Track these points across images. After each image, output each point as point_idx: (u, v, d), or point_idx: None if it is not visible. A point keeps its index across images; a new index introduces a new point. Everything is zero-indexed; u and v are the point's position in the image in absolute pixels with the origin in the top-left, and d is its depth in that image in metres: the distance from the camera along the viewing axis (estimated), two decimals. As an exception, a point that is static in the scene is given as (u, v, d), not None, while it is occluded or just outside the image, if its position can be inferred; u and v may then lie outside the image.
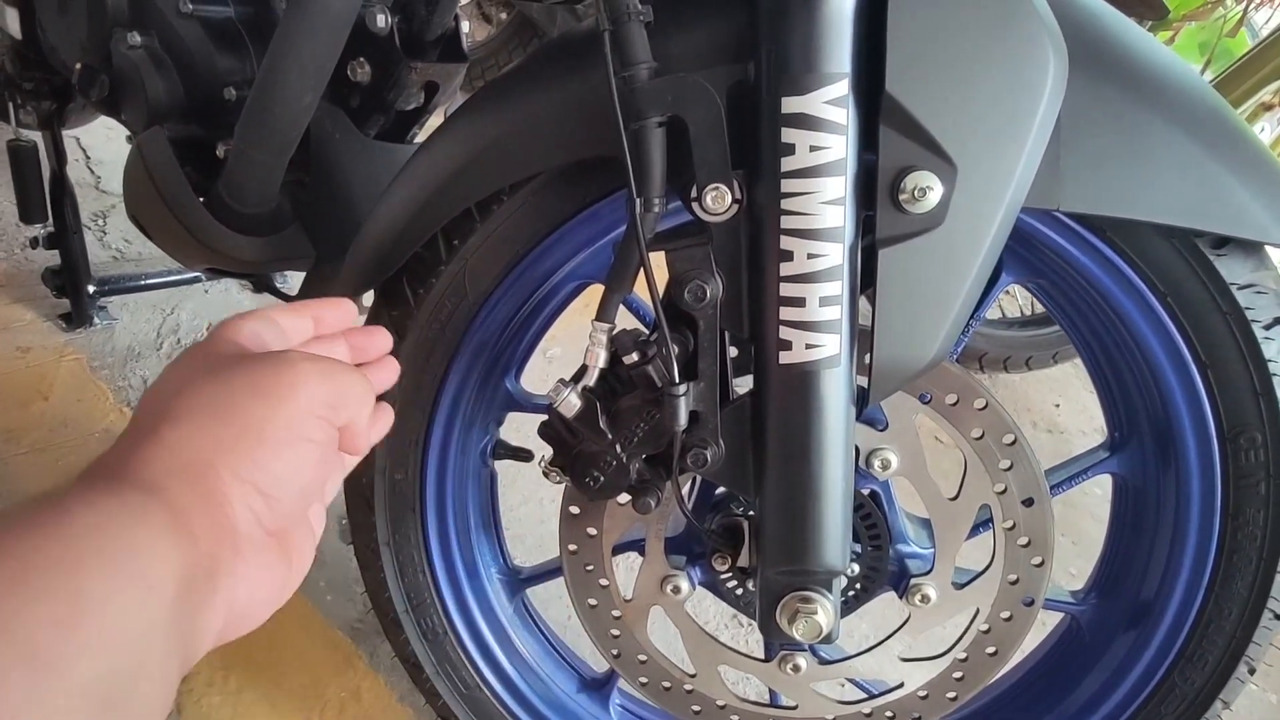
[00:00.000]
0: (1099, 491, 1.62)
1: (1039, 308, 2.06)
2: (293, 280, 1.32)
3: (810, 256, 0.52)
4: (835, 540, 0.60)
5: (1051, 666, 0.79)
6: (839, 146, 0.50)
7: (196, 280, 1.56)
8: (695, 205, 0.55)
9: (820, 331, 0.54)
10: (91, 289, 1.42)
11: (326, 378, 0.44)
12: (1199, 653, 0.69)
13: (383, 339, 0.57)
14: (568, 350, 1.63)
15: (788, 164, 0.51)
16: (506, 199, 0.65)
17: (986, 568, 0.69)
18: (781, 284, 0.54)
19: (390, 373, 0.58)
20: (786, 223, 0.52)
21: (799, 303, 0.53)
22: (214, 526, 0.38)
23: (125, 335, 1.46)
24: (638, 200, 0.54)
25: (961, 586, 0.70)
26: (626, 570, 0.75)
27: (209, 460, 0.39)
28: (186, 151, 0.95)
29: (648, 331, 0.63)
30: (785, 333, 0.54)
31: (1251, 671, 0.70)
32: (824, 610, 0.61)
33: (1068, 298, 0.68)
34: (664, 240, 0.58)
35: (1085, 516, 1.62)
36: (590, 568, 0.74)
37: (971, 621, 0.71)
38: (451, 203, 0.65)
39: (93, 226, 1.72)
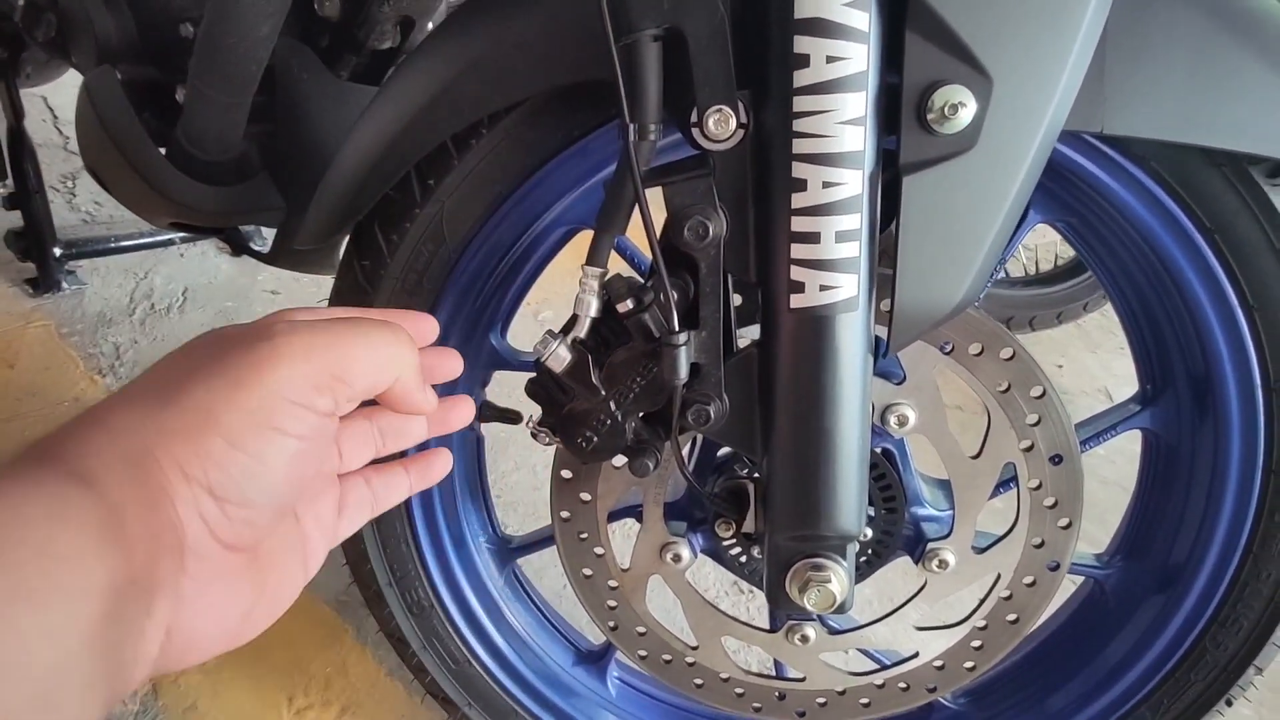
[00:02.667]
0: (1102, 453, 1.59)
1: (1044, 265, 2.01)
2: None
3: (826, 185, 0.47)
4: (850, 502, 0.55)
5: (1073, 632, 0.75)
6: (860, 57, 0.44)
7: (170, 243, 1.50)
8: (695, 131, 0.49)
9: (836, 271, 0.48)
10: (58, 252, 1.35)
11: (315, 349, 0.36)
12: (1233, 617, 0.65)
13: (454, 362, 0.51)
14: (560, 313, 1.57)
15: (801, 78, 0.45)
16: (486, 132, 0.59)
17: (1009, 530, 0.64)
18: (793, 218, 0.48)
19: (450, 362, 0.50)
20: (799, 147, 0.46)
21: (813, 238, 0.48)
22: (152, 532, 0.31)
23: (96, 300, 1.40)
24: (631, 127, 0.48)
25: (982, 551, 0.65)
26: (623, 538, 0.71)
27: (147, 448, 0.32)
28: (144, 97, 0.88)
29: (642, 278, 0.57)
30: (797, 273, 0.49)
31: (1288, 637, 0.66)
32: (838, 578, 0.56)
33: (1101, 237, 0.62)
34: (660, 174, 0.52)
35: (1090, 478, 1.58)
36: (584, 536, 0.69)
37: (992, 588, 0.66)
38: (425, 137, 0.58)
39: (61, 189, 1.64)
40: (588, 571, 0.70)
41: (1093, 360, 2.07)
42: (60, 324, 1.33)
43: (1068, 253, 1.97)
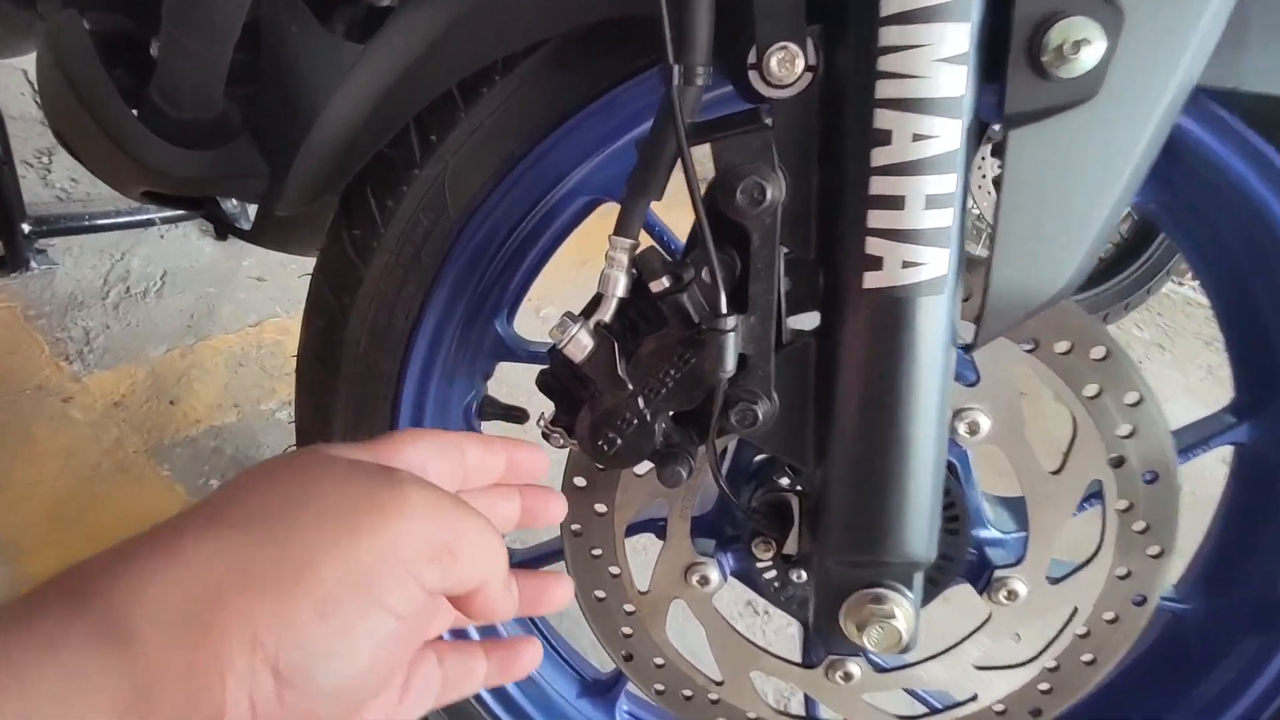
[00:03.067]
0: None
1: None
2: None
3: (916, 138, 0.38)
4: (923, 522, 0.46)
5: (1150, 671, 0.66)
6: (966, -23, 0.36)
7: (150, 224, 1.41)
8: (753, 75, 0.41)
9: (923, 243, 0.40)
10: (27, 229, 1.26)
11: (441, 509, 0.31)
12: (1342, 664, 0.57)
13: (558, 508, 0.44)
14: (564, 309, 1.49)
15: (891, 4, 0.37)
16: (499, 79, 0.50)
17: (1091, 558, 0.56)
18: (873, 178, 0.39)
19: (555, 508, 0.44)
20: (884, 90, 0.38)
21: (896, 203, 0.39)
22: (185, 716, 0.25)
23: (67, 282, 1.31)
24: (675, 68, 0.40)
25: (1058, 581, 0.57)
26: (640, 554, 0.62)
27: (217, 598, 0.26)
28: (116, 50, 0.79)
29: (675, 257, 0.49)
30: (874, 245, 0.40)
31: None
32: (903, 612, 0.48)
33: (1203, 220, 0.54)
34: (707, 130, 0.43)
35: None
36: (598, 553, 0.60)
37: (1066, 623, 0.58)
38: (428, 83, 0.50)
39: (35, 164, 1.55)
40: (600, 594, 0.62)
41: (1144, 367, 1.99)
42: (27, 306, 1.24)
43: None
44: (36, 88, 0.81)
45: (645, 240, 0.47)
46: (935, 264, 0.40)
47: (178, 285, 1.36)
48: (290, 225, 0.83)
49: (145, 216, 1.37)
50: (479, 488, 0.40)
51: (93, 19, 0.77)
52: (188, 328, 1.29)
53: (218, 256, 1.45)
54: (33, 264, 1.29)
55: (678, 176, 0.44)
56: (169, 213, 1.43)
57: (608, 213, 0.55)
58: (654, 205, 0.46)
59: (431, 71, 0.50)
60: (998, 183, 0.39)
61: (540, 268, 0.61)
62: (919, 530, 0.46)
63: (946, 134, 0.38)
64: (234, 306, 1.35)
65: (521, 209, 0.55)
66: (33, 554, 0.92)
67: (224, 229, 0.99)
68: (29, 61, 1.65)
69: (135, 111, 0.79)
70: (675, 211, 0.44)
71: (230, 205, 1.29)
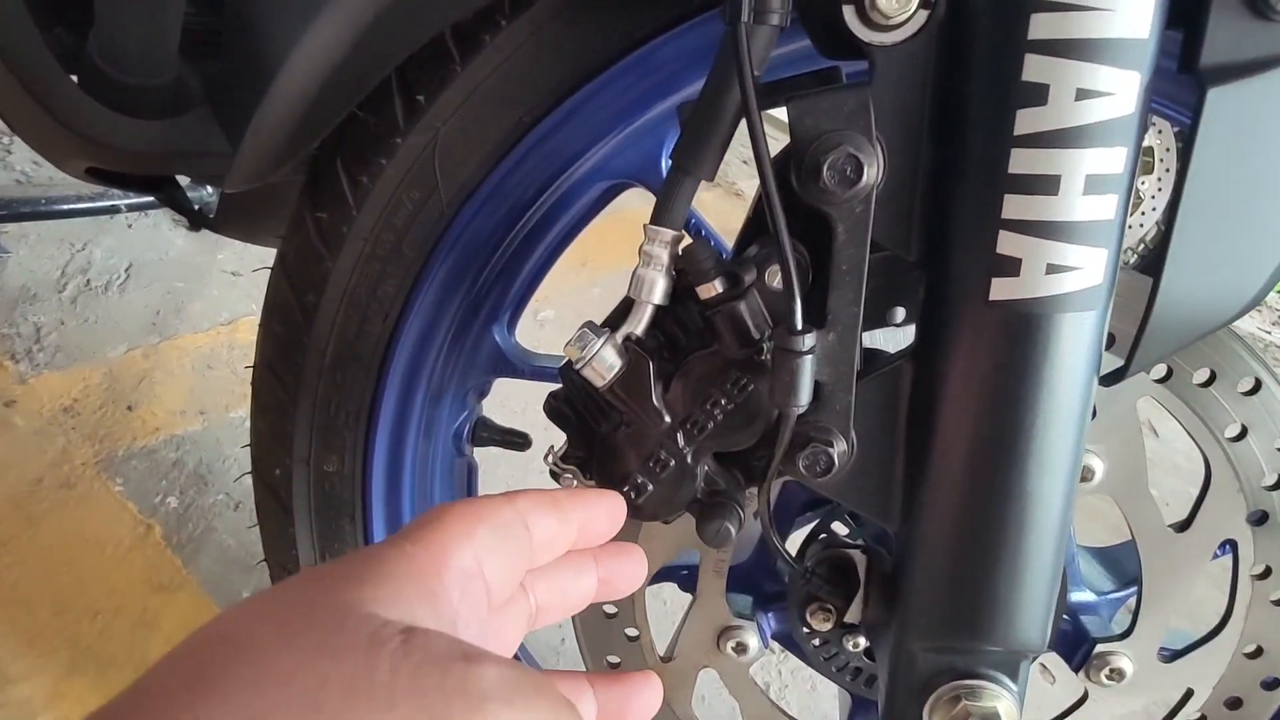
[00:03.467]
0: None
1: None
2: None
3: (1081, 96, 0.28)
4: (1039, 604, 0.36)
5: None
6: None
7: (116, 210, 1.29)
8: (849, 12, 0.31)
9: (1079, 241, 0.30)
10: (-24, 213, 1.14)
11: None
12: None
13: (638, 569, 0.35)
14: (564, 314, 1.38)
15: (1059, -93, 0.27)
16: (505, 24, 0.40)
17: (1216, 631, 0.46)
18: (1015, 150, 0.29)
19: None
20: (1040, 28, 0.28)
21: (1048, 186, 0.29)
22: None
23: (19, 272, 1.20)
24: (745, 2, 0.30)
25: (1172, 657, 0.47)
26: (660, 606, 0.52)
27: None
28: (54, 8, 0.68)
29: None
30: (1009, 243, 0.30)
31: None
32: (1005, 709, 0.37)
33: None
34: (782, 89, 0.33)
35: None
36: (613, 612, 0.50)
37: (1179, 706, 0.48)
38: (414, 25, 0.39)
39: (-6, 144, 1.43)
40: (614, 659, 0.51)
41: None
42: (-28, 298, 1.13)
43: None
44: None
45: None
46: (1091, 270, 0.30)
47: (144, 279, 1.25)
48: (258, 210, 0.73)
49: (110, 203, 1.25)
50: (548, 563, 0.30)
51: (27, -34, 0.66)
52: (152, 325, 1.18)
53: (190, 249, 1.33)
54: (-19, 252, 1.17)
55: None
56: (137, 199, 1.32)
57: (639, 196, 0.45)
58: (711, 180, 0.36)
59: (419, 9, 0.39)
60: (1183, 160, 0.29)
61: (549, 265, 0.51)
62: (1034, 613, 0.36)
63: (1123, 91, 0.28)
64: (205, 303, 1.24)
65: (530, 191, 0.45)
66: (-45, 584, 0.81)
67: (186, 215, 0.88)
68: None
69: (75, 78, 0.68)
70: (720, 206, 0.34)
71: (203, 195, 1.18)
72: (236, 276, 1.33)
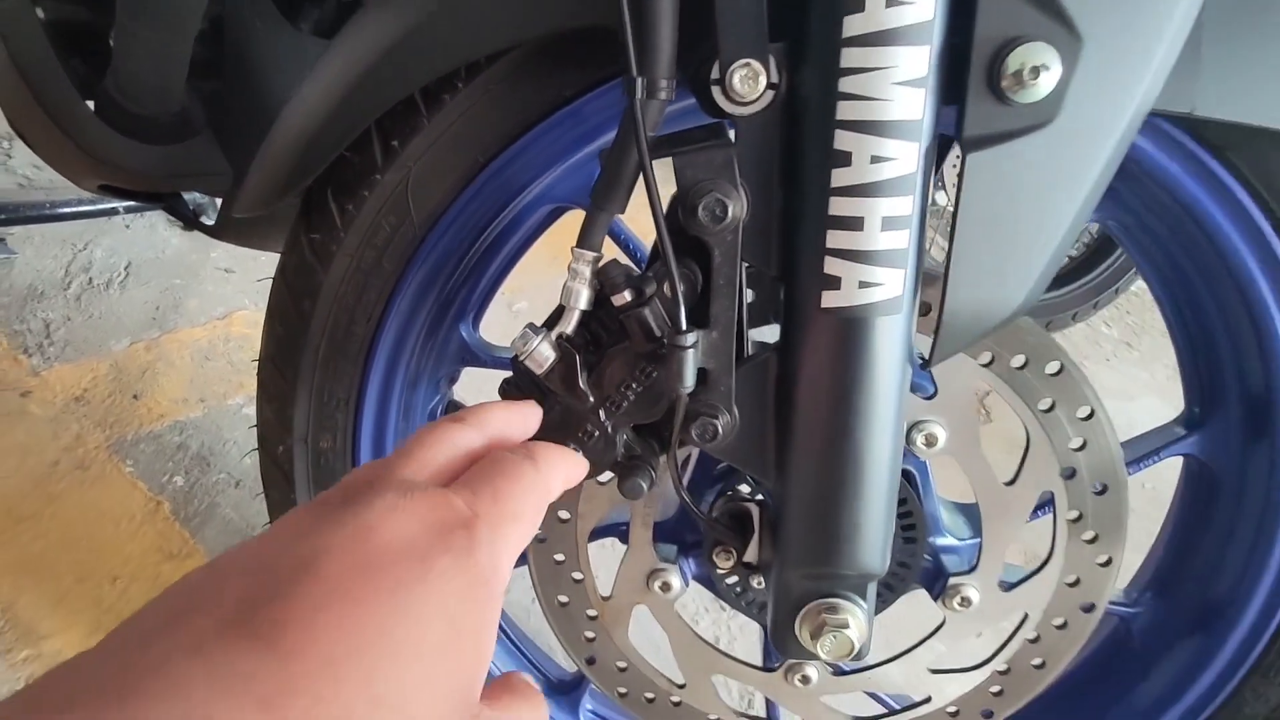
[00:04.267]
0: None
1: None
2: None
3: (874, 160, 0.39)
4: (876, 536, 0.47)
5: (1093, 674, 0.68)
6: (925, 3, 0.36)
7: (114, 213, 1.37)
8: (716, 91, 0.41)
9: (879, 265, 0.40)
10: (-16, 217, 1.23)
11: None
12: (1279, 667, 0.59)
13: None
14: (537, 305, 1.48)
15: (852, 26, 0.37)
16: (462, 86, 0.50)
17: (1042, 566, 0.57)
18: (832, 199, 0.40)
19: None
20: (845, 111, 0.38)
21: (854, 225, 0.40)
22: None
23: (27, 272, 1.28)
24: (638, 81, 0.40)
25: (1010, 588, 0.58)
26: (603, 556, 0.62)
27: None
28: (72, 40, 0.77)
29: (640, 268, 0.49)
30: (832, 265, 0.41)
31: (1336, 687, 0.60)
32: (856, 622, 0.49)
33: (1157, 238, 0.55)
34: (669, 144, 0.43)
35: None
36: (561, 559, 0.60)
37: (1017, 629, 0.59)
38: (390, 88, 0.49)
39: (-5, 149, 1.51)
40: (564, 599, 0.62)
41: (1102, 369, 2.03)
42: (-17, 297, 1.21)
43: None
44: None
45: (611, 248, 0.48)
46: (891, 285, 0.41)
47: (143, 276, 1.33)
48: (255, 221, 0.82)
49: (109, 205, 1.34)
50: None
51: (48, 7, 0.75)
52: (152, 320, 1.26)
53: (185, 247, 1.42)
54: (-11, 253, 1.25)
55: (642, 187, 0.44)
56: (133, 202, 1.40)
57: (577, 216, 0.55)
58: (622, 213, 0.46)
59: (393, 76, 0.49)
60: (956, 203, 0.40)
61: (505, 274, 0.61)
62: (873, 544, 0.47)
63: (904, 156, 0.39)
64: (201, 299, 1.33)
65: (486, 216, 0.55)
66: (-13, 554, 0.91)
67: (187, 223, 0.97)
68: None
69: (92, 103, 0.77)
70: (644, 218, 0.44)
71: (197, 197, 1.27)
72: (229, 273, 1.42)
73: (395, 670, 0.23)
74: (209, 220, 1.24)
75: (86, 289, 1.28)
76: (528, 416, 0.41)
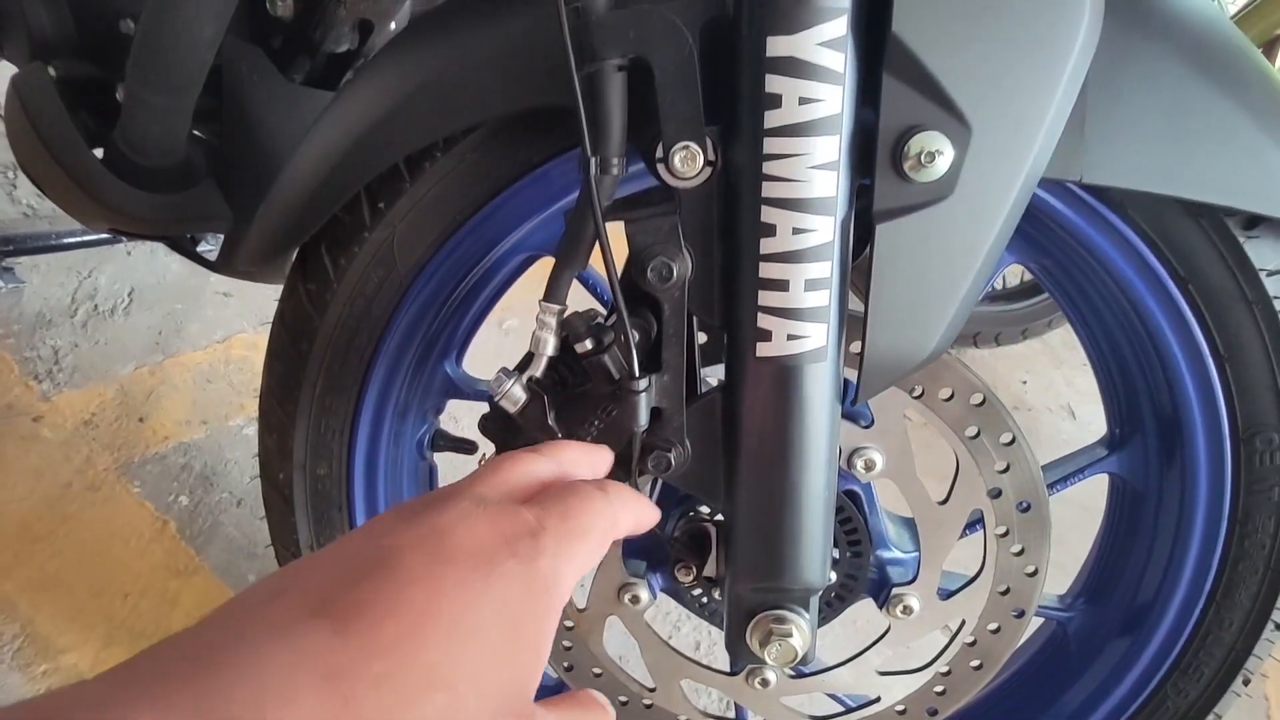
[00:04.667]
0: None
1: (1010, 282, 2.02)
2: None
3: (796, 232, 0.44)
4: (815, 555, 0.53)
5: (1034, 674, 0.74)
6: (834, 99, 0.42)
7: (117, 241, 1.43)
8: (661, 167, 0.47)
9: (805, 320, 0.46)
10: (-7, 248, 1.28)
11: None
12: (1195, 664, 0.65)
13: None
14: (526, 322, 1.54)
15: (772, 119, 0.43)
16: (440, 155, 0.56)
17: (975, 577, 0.63)
18: (761, 264, 0.45)
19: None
20: (769, 190, 0.44)
21: (781, 286, 0.45)
22: None
23: (35, 300, 1.33)
24: (592, 159, 0.46)
25: (947, 596, 0.64)
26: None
27: None
28: (81, 95, 0.83)
29: (605, 314, 0.54)
30: (764, 321, 0.46)
31: (1247, 683, 0.65)
32: (799, 632, 0.54)
33: (1074, 281, 0.61)
34: (623, 208, 0.49)
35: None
36: (539, 575, 0.66)
37: (956, 633, 0.65)
38: (376, 157, 0.55)
39: (1, 180, 1.56)
40: (542, 611, 0.67)
41: (1057, 375, 2.09)
42: (-6, 325, 1.27)
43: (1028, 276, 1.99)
44: (4, 127, 0.84)
45: (584, 294, 0.53)
46: (816, 337, 0.46)
47: (145, 302, 1.39)
48: (241, 259, 0.87)
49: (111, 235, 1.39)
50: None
51: (59, 66, 0.81)
52: (156, 345, 1.32)
53: (184, 273, 1.47)
54: (0, 283, 1.31)
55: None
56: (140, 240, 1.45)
57: (548, 261, 0.60)
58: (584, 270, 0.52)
59: (380, 147, 0.55)
60: (869, 267, 0.46)
61: (485, 315, 0.66)
62: (812, 561, 0.53)
63: (822, 228, 0.44)
64: (201, 323, 1.38)
65: (465, 266, 0.61)
66: (5, 573, 0.96)
67: (189, 258, 1.03)
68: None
69: (100, 151, 0.83)
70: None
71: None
72: (228, 297, 1.47)
73: (454, 657, 0.25)
74: (206, 247, 1.29)
75: (92, 315, 1.34)
76: (599, 458, 0.43)
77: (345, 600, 0.25)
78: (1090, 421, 1.97)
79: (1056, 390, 2.11)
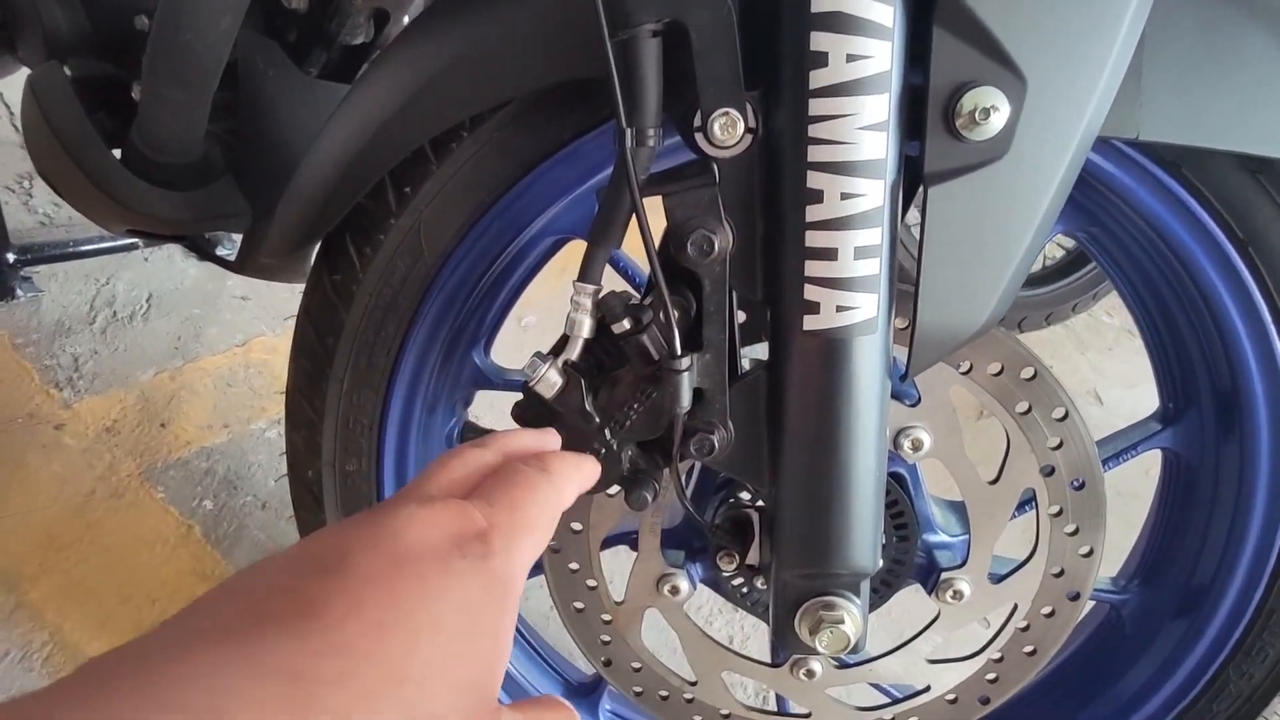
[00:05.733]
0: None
1: (1033, 267, 1.98)
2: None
3: (844, 197, 0.42)
4: (865, 537, 0.51)
5: (1088, 659, 0.72)
6: (883, 56, 0.40)
7: (133, 247, 1.42)
8: (699, 136, 0.45)
9: (855, 290, 0.44)
10: (12, 257, 1.28)
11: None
12: (1259, 645, 0.62)
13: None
14: (544, 319, 1.53)
15: (818, 79, 0.41)
16: (467, 136, 0.54)
17: (1028, 559, 0.61)
18: (808, 232, 0.44)
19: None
20: (815, 154, 0.42)
21: (829, 255, 0.44)
22: None
23: (54, 308, 1.33)
24: (628, 131, 0.44)
25: (999, 580, 0.61)
26: (615, 563, 0.66)
27: None
28: (98, 93, 0.82)
29: (640, 295, 0.53)
30: (812, 292, 0.45)
31: (1315, 665, 0.63)
32: (851, 618, 0.52)
33: (1125, 249, 0.59)
34: (660, 183, 0.47)
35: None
36: (576, 568, 0.64)
37: (1009, 618, 0.63)
38: (401, 141, 0.53)
39: (17, 189, 1.56)
40: (579, 605, 0.66)
41: (1082, 361, 2.06)
42: (14, 334, 1.26)
43: (1055, 254, 1.95)
44: (21, 132, 0.83)
45: (614, 277, 0.52)
46: (866, 308, 0.45)
47: (164, 308, 1.38)
48: (263, 254, 0.86)
49: (128, 240, 1.39)
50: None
51: (75, 66, 0.80)
52: (175, 350, 1.31)
53: (202, 278, 1.47)
54: (19, 292, 1.31)
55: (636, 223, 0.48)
56: (158, 242, 1.45)
57: (578, 244, 0.59)
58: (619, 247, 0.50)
59: (403, 130, 0.53)
60: (921, 232, 0.44)
61: (513, 302, 0.65)
62: (863, 543, 0.51)
63: (872, 192, 0.42)
64: (220, 328, 1.37)
65: (494, 251, 0.59)
66: (32, 581, 0.95)
67: (205, 256, 1.02)
68: (5, 85, 1.66)
69: (118, 151, 0.82)
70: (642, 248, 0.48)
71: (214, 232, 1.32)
72: (245, 300, 1.47)
73: (416, 652, 0.25)
74: (224, 250, 1.29)
75: (111, 322, 1.33)
76: (544, 440, 0.43)
77: (301, 600, 0.25)
78: (1118, 406, 1.94)
79: (1082, 376, 2.07)
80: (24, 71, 1.37)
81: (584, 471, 0.40)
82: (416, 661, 0.25)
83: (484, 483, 0.34)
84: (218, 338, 1.36)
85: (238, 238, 1.12)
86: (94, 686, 0.22)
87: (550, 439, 0.44)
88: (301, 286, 0.63)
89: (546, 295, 1.06)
